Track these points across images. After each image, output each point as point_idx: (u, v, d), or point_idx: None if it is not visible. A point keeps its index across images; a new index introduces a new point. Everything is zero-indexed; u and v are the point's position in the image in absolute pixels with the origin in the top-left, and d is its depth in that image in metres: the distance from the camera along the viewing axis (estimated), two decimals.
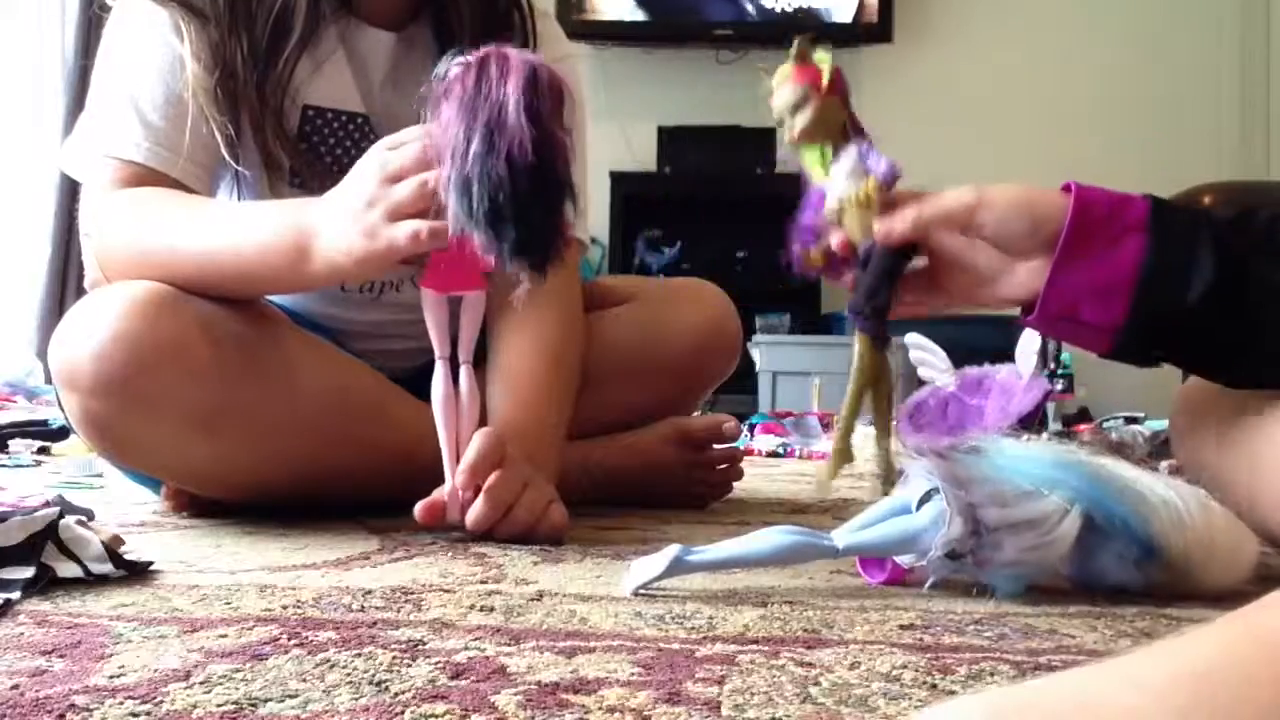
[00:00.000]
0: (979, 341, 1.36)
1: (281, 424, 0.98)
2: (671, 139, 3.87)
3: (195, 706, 0.46)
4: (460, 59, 0.84)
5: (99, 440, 0.97)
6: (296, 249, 0.91)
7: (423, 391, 0.97)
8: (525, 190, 0.79)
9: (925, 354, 0.97)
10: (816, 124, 0.87)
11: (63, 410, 1.01)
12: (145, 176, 1.01)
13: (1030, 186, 0.82)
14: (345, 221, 0.88)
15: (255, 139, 1.05)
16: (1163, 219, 0.77)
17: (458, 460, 0.93)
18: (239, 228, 0.96)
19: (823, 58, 0.88)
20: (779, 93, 0.88)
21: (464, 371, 0.95)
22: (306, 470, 1.01)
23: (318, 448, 1.01)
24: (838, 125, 0.88)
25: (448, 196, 0.81)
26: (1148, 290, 0.76)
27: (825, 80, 0.87)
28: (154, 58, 1.03)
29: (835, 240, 0.86)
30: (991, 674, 0.54)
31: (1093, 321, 0.78)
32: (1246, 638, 0.30)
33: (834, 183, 0.88)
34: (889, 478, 0.84)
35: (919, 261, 0.87)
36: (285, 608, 0.66)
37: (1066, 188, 0.80)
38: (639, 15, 3.89)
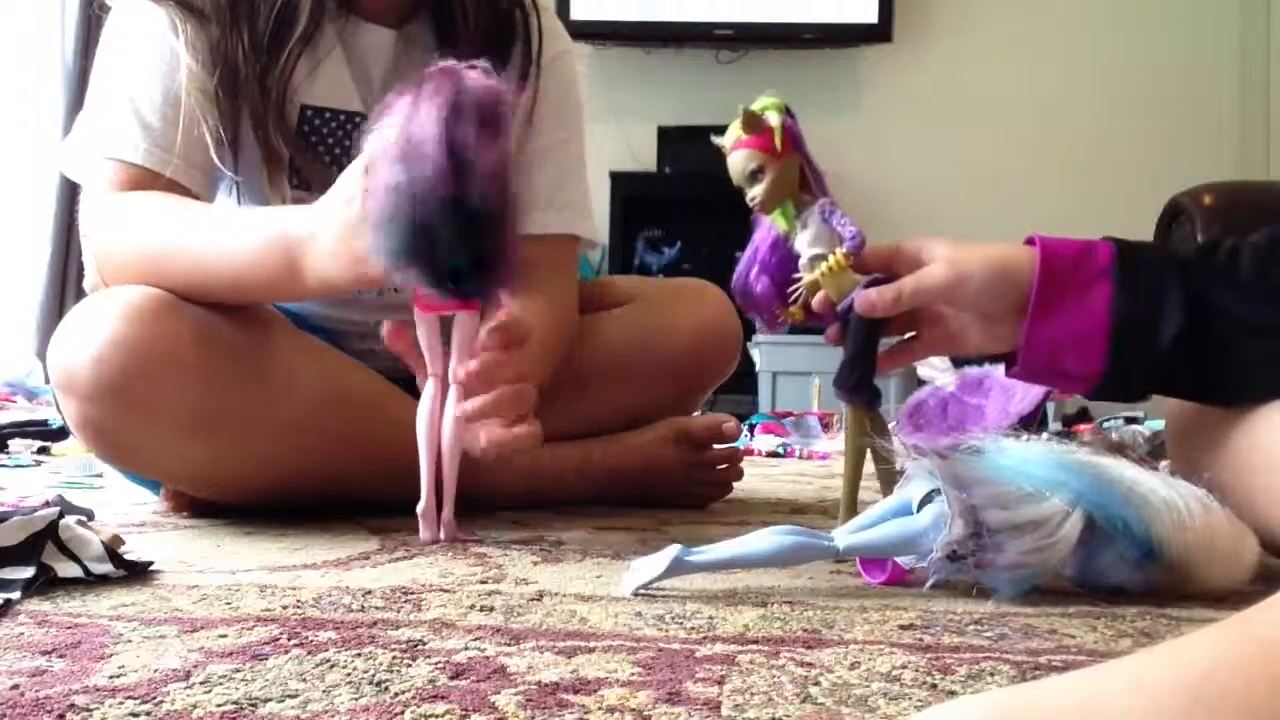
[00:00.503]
0: None
1: (279, 426, 0.98)
2: (671, 139, 3.87)
3: (195, 706, 0.46)
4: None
5: (97, 444, 0.97)
6: (285, 262, 0.89)
7: (419, 394, 0.97)
8: (441, 228, 0.76)
9: (926, 369, 0.98)
10: (775, 189, 0.90)
11: (61, 413, 1.01)
12: (143, 178, 1.01)
13: (998, 246, 0.85)
14: (339, 241, 0.85)
15: (256, 134, 1.04)
16: (1128, 264, 0.80)
17: (436, 480, 0.92)
18: (230, 237, 0.95)
19: (771, 106, 0.90)
20: (732, 160, 0.91)
21: (454, 391, 0.94)
22: (306, 471, 1.01)
23: (316, 448, 1.01)
24: (796, 180, 0.91)
25: (371, 232, 0.78)
26: (1122, 338, 0.78)
27: (778, 143, 0.89)
28: (151, 57, 1.03)
29: (818, 303, 0.89)
30: (991, 674, 0.54)
31: (1073, 371, 0.81)
32: (1248, 639, 0.30)
33: (802, 244, 0.90)
34: (889, 487, 0.85)
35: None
36: (285, 608, 0.66)
37: (1030, 240, 0.82)
38: (638, 15, 3.89)
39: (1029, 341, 0.81)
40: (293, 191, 1.07)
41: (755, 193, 0.90)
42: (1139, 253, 0.81)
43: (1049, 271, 0.80)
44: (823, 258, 0.88)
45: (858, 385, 0.89)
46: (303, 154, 1.06)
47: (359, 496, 1.07)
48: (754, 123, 0.88)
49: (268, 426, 0.98)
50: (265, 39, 1.03)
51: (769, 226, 0.93)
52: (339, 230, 0.85)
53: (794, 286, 0.91)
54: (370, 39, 1.12)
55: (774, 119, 0.89)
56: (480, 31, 1.11)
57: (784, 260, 0.92)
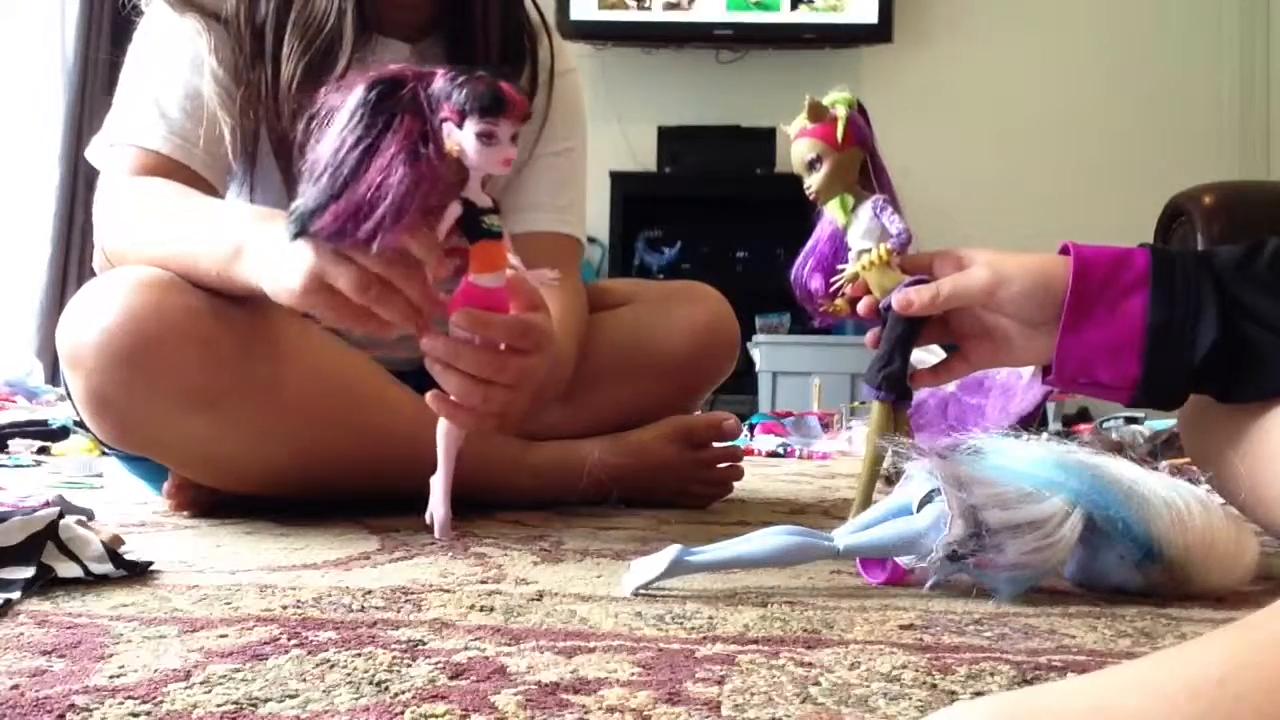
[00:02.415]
0: None
1: (281, 407, 0.99)
2: (671, 139, 3.87)
3: (195, 706, 0.46)
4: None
5: (103, 419, 0.98)
6: (227, 260, 0.90)
7: (423, 388, 0.97)
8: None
9: (925, 353, 0.98)
10: (832, 180, 0.90)
11: (69, 397, 1.02)
12: (161, 164, 1.05)
13: (1038, 255, 0.85)
14: (279, 268, 0.84)
15: (274, 149, 1.09)
16: (1164, 273, 0.79)
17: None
18: (203, 231, 0.95)
19: (841, 100, 0.90)
20: (793, 148, 0.91)
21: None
22: (306, 456, 1.02)
23: (317, 433, 1.01)
24: (855, 173, 0.91)
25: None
26: (1157, 348, 0.78)
27: (840, 134, 0.89)
28: (176, 58, 1.08)
29: (863, 307, 0.89)
30: (991, 674, 0.54)
31: (1108, 381, 0.80)
32: (1261, 644, 0.30)
33: (853, 238, 0.91)
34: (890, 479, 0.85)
35: (934, 355, 0.90)
36: (285, 608, 0.66)
37: (1065, 250, 0.82)
38: (638, 15, 3.89)
39: (1062, 351, 0.80)
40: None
41: (811, 182, 0.90)
42: (1175, 261, 0.80)
43: (1082, 280, 0.79)
44: (869, 252, 0.88)
45: (887, 382, 0.88)
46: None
47: (359, 486, 1.07)
48: (818, 112, 0.89)
49: (270, 406, 0.98)
50: (295, 81, 1.05)
51: (829, 220, 0.93)
52: (266, 243, 0.86)
53: (836, 278, 0.91)
54: (386, 54, 1.13)
55: (840, 111, 0.89)
56: (494, 50, 1.14)
57: (839, 254, 0.92)
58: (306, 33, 1.06)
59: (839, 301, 0.92)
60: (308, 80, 1.04)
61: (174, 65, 1.08)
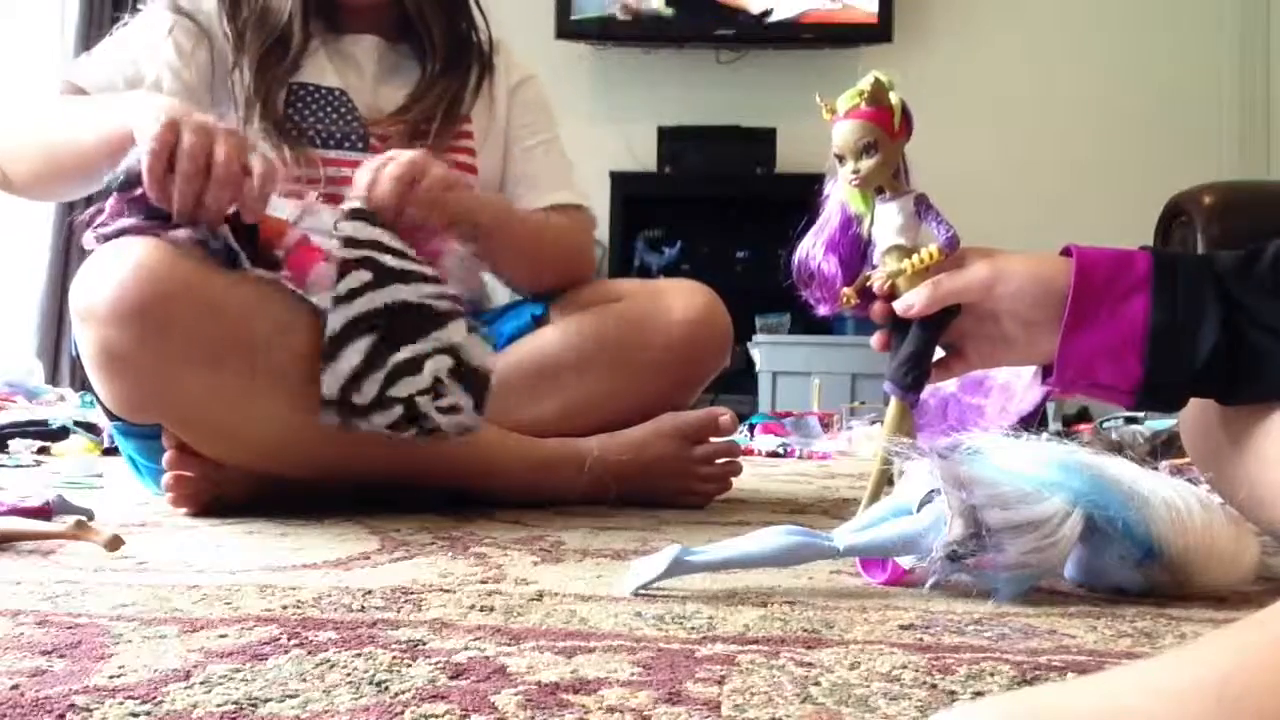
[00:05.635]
0: None
1: (284, 368, 1.01)
2: (671, 139, 3.86)
3: (195, 706, 0.46)
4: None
5: (111, 374, 1.00)
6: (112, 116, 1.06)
7: None
8: None
9: None
10: (880, 170, 0.85)
11: (79, 353, 1.03)
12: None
13: (1037, 255, 0.84)
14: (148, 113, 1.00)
15: (244, 122, 1.21)
16: (1165, 277, 0.79)
17: None
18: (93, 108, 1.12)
19: (889, 84, 0.85)
20: (845, 128, 0.85)
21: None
22: (307, 423, 1.02)
23: (311, 397, 1.02)
24: (897, 165, 0.87)
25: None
26: (1158, 351, 0.78)
27: (897, 123, 0.85)
28: (140, 43, 1.24)
29: (900, 307, 0.85)
30: (991, 674, 0.54)
31: (1109, 383, 0.80)
32: (1267, 644, 0.30)
33: (884, 232, 0.87)
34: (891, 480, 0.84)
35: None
36: (285, 608, 0.66)
37: (1067, 251, 0.82)
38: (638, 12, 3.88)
39: (1064, 353, 0.80)
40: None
41: (861, 167, 0.85)
42: (1177, 264, 0.80)
43: (1084, 282, 0.79)
44: (903, 250, 0.85)
45: (914, 385, 0.87)
46: (287, 137, 1.23)
47: (356, 468, 1.08)
48: (880, 95, 0.84)
49: (272, 367, 1.01)
50: (251, 72, 1.23)
51: (840, 205, 0.89)
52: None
53: (870, 274, 0.87)
54: (356, 48, 1.32)
55: (895, 98, 0.85)
56: (442, 49, 1.33)
57: (853, 241, 0.89)
58: (261, 31, 1.24)
59: (847, 290, 0.88)
60: (261, 73, 1.22)
61: (135, 47, 1.23)
